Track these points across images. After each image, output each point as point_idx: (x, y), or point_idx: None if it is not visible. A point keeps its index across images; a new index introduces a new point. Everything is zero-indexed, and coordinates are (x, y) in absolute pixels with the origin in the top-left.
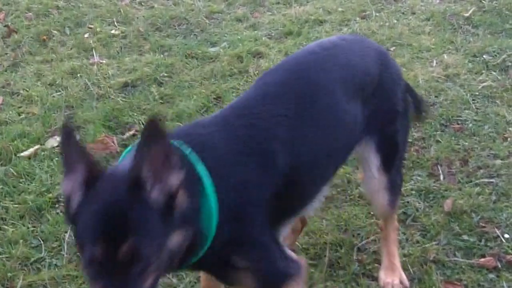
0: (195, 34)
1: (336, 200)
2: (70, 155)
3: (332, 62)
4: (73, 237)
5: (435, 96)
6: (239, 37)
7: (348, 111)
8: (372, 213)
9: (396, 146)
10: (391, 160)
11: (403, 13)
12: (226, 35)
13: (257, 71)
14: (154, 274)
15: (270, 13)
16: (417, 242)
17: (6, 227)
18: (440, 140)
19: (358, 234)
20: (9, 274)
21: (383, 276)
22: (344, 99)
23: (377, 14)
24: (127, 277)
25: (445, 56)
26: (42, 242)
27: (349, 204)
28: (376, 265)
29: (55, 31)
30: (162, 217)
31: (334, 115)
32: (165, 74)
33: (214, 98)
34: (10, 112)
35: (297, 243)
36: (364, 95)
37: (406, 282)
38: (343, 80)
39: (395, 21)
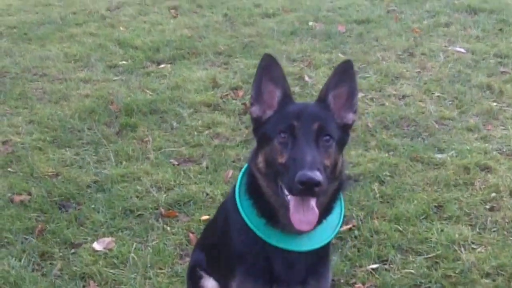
0: (422, 138)
1: None
2: (265, 84)
3: None
4: None
5: None
6: (468, 148)
7: None
8: None
9: None
10: None
11: None
12: (454, 143)
13: (483, 186)
14: (334, 155)
15: (503, 127)
16: None
17: None
18: None
19: None
20: None
21: None
22: None
23: None
24: (318, 142)
25: None
26: None
27: None
28: None
29: None
30: (340, 131)
31: None
32: (388, 174)
33: (435, 206)
34: None
35: None
36: None
37: None
38: None
39: None
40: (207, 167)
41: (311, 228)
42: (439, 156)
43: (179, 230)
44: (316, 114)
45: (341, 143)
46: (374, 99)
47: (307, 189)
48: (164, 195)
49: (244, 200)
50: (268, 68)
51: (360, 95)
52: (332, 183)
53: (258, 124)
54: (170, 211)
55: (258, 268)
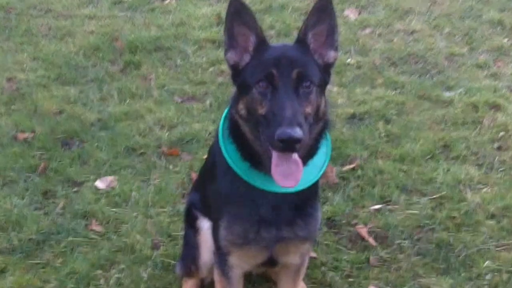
0: (431, 75)
1: None
2: (237, 28)
3: None
4: None
5: None
6: (477, 85)
7: None
8: None
9: None
10: None
11: None
12: (463, 80)
13: (492, 124)
14: (315, 101)
15: None
16: None
17: None
18: None
19: None
20: None
21: None
22: None
23: None
24: (297, 90)
25: None
26: None
27: None
28: None
29: None
30: (320, 71)
31: None
32: (394, 112)
33: (441, 146)
34: None
35: None
36: None
37: None
38: None
39: None
40: (210, 105)
41: (295, 184)
42: (447, 94)
43: (181, 169)
44: (295, 59)
45: (323, 85)
46: (382, 35)
47: (287, 146)
48: (167, 133)
49: (227, 144)
50: (238, 13)
51: (367, 31)
52: (316, 125)
53: (236, 71)
54: (173, 149)
55: (244, 209)
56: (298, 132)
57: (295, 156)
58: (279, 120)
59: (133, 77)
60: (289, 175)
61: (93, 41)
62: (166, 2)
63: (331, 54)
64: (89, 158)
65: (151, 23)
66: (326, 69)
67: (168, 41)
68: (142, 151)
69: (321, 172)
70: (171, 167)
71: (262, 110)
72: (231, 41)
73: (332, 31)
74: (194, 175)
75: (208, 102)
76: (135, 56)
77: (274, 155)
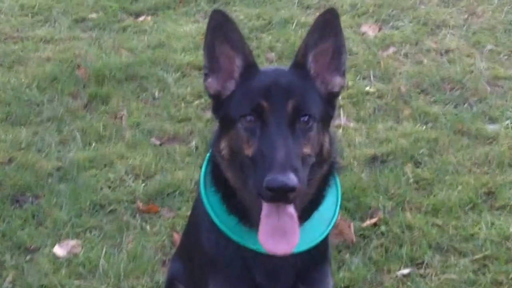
0: (470, 104)
1: None
2: (220, 48)
3: None
4: None
5: None
6: None
7: None
8: None
9: None
10: None
11: None
12: (510, 110)
13: None
14: (316, 139)
15: None
16: None
17: None
18: None
19: None
20: None
21: None
22: None
23: None
24: (293, 127)
25: None
26: None
27: None
28: None
29: None
30: (323, 102)
31: None
32: (425, 152)
33: (484, 193)
34: None
35: None
36: None
37: None
38: None
39: None
40: (196, 147)
41: (289, 249)
42: (491, 127)
43: (160, 229)
44: (290, 87)
45: (326, 119)
46: (409, 55)
47: (278, 196)
48: (143, 185)
49: (210, 193)
50: (220, 28)
51: (390, 50)
52: (319, 168)
53: (218, 102)
54: (150, 205)
55: (235, 276)
56: (291, 178)
57: (291, 209)
58: (269, 164)
59: (100, 114)
60: (280, 236)
61: (50, 70)
62: (141, 19)
63: (337, 81)
64: (46, 218)
65: (122, 45)
66: (330, 99)
67: (143, 68)
68: (112, 207)
69: (330, 228)
70: (148, 227)
71: (248, 151)
72: (212, 64)
73: (338, 51)
74: (177, 237)
75: (193, 143)
76: (102, 88)
77: (265, 207)
